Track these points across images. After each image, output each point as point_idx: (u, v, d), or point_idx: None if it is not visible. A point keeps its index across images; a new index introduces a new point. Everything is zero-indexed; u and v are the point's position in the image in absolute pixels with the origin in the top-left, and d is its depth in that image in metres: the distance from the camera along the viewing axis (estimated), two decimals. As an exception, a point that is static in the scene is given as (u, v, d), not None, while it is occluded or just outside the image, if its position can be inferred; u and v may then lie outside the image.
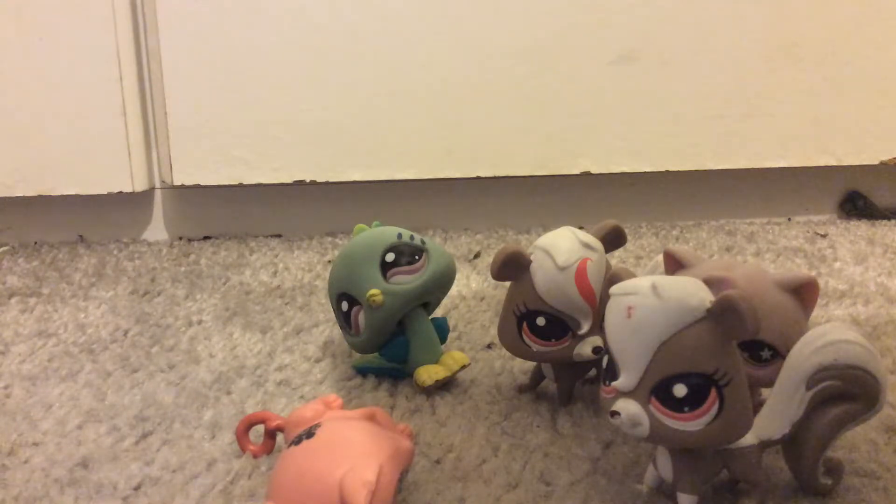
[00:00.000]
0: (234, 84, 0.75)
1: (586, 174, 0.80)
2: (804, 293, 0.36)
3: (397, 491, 0.31)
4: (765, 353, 0.35)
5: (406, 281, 0.43)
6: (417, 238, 0.44)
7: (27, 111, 0.75)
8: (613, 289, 0.31)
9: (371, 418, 0.33)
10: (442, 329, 0.47)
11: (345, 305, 0.44)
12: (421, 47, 0.74)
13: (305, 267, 0.71)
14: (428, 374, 0.43)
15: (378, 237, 0.44)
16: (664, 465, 0.32)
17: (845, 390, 0.32)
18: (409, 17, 0.74)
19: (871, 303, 0.57)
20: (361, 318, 0.43)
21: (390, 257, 0.43)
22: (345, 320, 0.45)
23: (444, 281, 0.45)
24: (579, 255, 0.37)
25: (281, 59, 0.75)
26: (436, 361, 0.44)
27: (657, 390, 0.29)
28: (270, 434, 0.37)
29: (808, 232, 0.80)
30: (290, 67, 0.75)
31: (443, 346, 0.46)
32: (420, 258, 0.44)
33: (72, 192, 0.77)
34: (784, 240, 0.77)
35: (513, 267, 0.38)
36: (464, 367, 0.44)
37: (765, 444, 0.33)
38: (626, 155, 0.80)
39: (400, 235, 0.44)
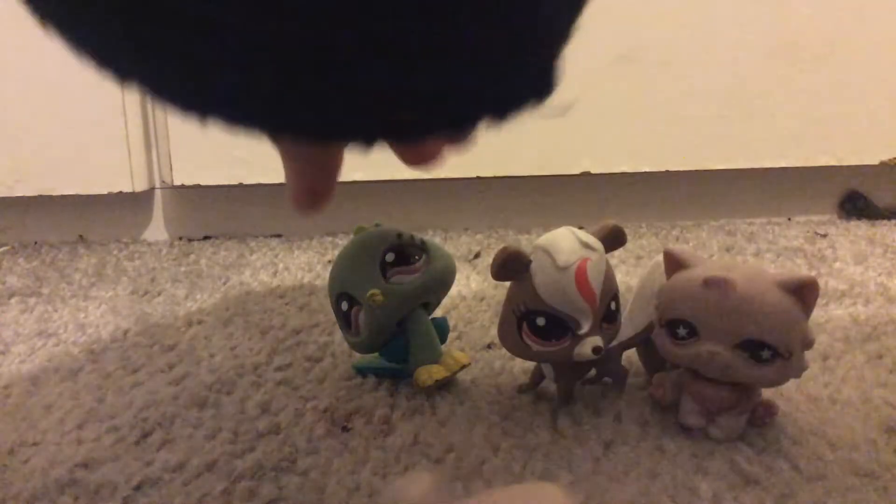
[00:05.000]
0: (234, 84, 0.75)
1: (586, 174, 0.80)
2: (804, 293, 0.36)
3: None
4: (765, 353, 0.35)
5: (406, 281, 0.43)
6: (417, 238, 0.44)
7: (27, 111, 0.75)
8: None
9: None
10: (442, 329, 0.47)
11: (345, 305, 0.44)
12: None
13: (305, 267, 0.71)
14: (428, 373, 0.43)
15: (378, 237, 0.44)
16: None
17: None
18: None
19: (871, 303, 0.57)
20: (362, 317, 0.43)
21: (390, 257, 0.43)
22: (344, 320, 0.45)
23: (444, 281, 0.45)
24: (579, 255, 0.37)
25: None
26: (436, 361, 0.44)
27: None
28: None
29: (808, 232, 0.80)
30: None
31: (443, 346, 0.46)
32: (420, 258, 0.44)
33: (72, 192, 0.78)
34: (784, 240, 0.77)
35: (513, 267, 0.38)
36: (464, 366, 0.44)
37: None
38: (626, 155, 0.80)
39: (400, 235, 0.44)
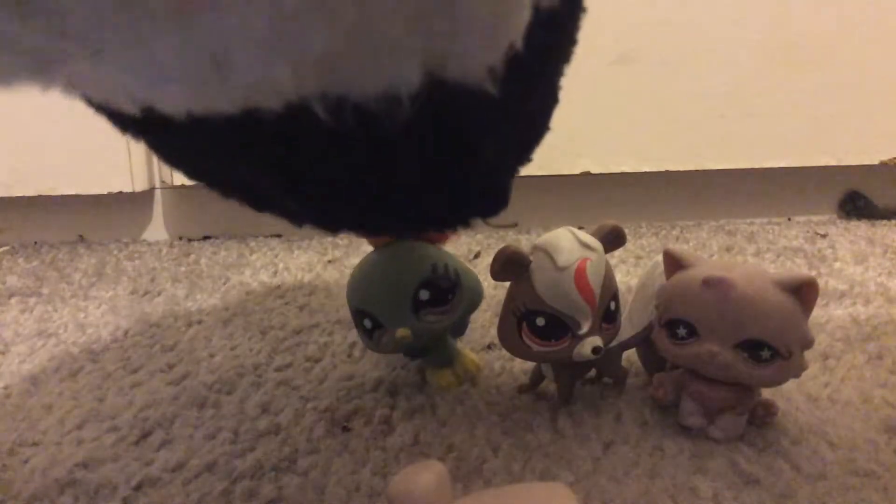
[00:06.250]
0: (234, 84, 0.75)
1: (586, 174, 0.80)
2: (804, 293, 0.36)
3: None
4: (764, 352, 0.35)
5: (437, 320, 0.41)
6: (451, 268, 0.41)
7: (27, 111, 0.75)
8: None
9: None
10: (462, 323, 0.46)
11: (367, 323, 0.41)
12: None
13: (305, 267, 0.71)
14: (437, 381, 0.44)
15: (412, 267, 0.40)
16: None
17: None
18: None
19: (871, 303, 0.57)
20: (385, 339, 0.41)
21: (424, 295, 0.40)
22: (365, 333, 0.42)
23: (472, 309, 0.43)
24: (579, 255, 0.37)
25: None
26: (448, 364, 0.45)
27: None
28: None
29: (808, 232, 0.80)
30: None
31: (459, 342, 0.46)
32: (454, 296, 0.41)
33: (72, 192, 0.78)
34: (784, 240, 0.77)
35: (513, 267, 0.38)
36: (473, 375, 0.45)
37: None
38: (626, 155, 0.80)
39: (434, 268, 0.40)
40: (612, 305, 0.39)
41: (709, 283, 0.36)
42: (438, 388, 0.44)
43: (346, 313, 0.53)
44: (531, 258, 0.38)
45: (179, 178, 0.78)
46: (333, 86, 0.20)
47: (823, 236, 0.78)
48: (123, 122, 0.25)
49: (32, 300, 0.63)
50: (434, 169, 0.25)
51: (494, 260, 0.38)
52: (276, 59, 0.18)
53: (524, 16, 0.22)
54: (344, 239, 0.80)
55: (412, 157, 0.24)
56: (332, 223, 0.30)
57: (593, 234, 0.39)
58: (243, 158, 0.24)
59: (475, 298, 0.43)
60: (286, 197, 0.27)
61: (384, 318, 0.40)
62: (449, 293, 0.41)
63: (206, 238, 0.84)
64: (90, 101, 0.24)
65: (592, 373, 0.44)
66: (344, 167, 0.24)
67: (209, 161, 0.26)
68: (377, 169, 0.24)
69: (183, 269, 0.72)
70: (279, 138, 0.22)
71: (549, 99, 0.30)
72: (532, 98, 0.28)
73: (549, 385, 0.43)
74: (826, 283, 0.62)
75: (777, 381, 0.37)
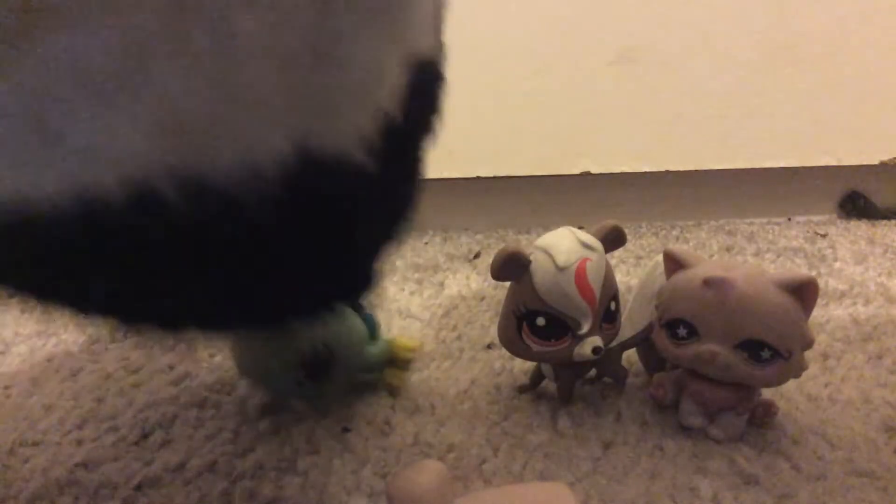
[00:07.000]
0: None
1: (586, 174, 0.80)
2: (804, 293, 0.36)
3: None
4: (765, 352, 0.35)
5: (317, 389, 0.41)
6: (330, 338, 0.40)
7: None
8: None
9: None
10: (370, 324, 0.44)
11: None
12: (421, 47, 0.74)
13: (305, 267, 0.71)
14: (390, 382, 0.44)
15: (287, 349, 0.40)
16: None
17: None
18: (409, 17, 0.73)
19: (871, 303, 0.57)
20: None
21: (302, 374, 0.40)
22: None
23: (355, 369, 0.43)
24: (579, 255, 0.37)
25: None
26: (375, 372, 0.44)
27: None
28: None
29: (808, 232, 0.80)
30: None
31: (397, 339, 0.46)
32: (330, 368, 0.40)
33: (72, 192, 0.77)
34: (784, 240, 0.77)
35: (513, 267, 0.38)
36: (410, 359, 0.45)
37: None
38: (626, 155, 0.80)
39: (311, 347, 0.40)
40: (612, 305, 0.39)
41: (709, 283, 0.36)
42: (391, 385, 0.44)
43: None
44: (531, 258, 0.38)
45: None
46: (186, 158, 0.17)
47: (823, 236, 0.78)
48: None
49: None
50: (299, 256, 0.22)
51: (494, 260, 0.38)
52: (118, 109, 0.15)
53: (397, 77, 0.20)
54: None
55: (277, 245, 0.21)
56: (168, 324, 0.25)
57: (593, 234, 0.39)
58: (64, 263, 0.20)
59: (358, 364, 0.43)
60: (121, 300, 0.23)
61: (269, 387, 0.43)
62: (325, 368, 0.40)
63: (206, 238, 0.84)
64: None
65: (592, 373, 0.44)
66: (197, 262, 0.20)
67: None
68: (235, 261, 0.21)
69: (183, 269, 0.72)
70: (116, 236, 0.18)
71: (419, 173, 0.27)
72: (406, 172, 0.25)
73: (549, 385, 0.43)
74: (826, 283, 0.62)
75: (777, 382, 0.37)
